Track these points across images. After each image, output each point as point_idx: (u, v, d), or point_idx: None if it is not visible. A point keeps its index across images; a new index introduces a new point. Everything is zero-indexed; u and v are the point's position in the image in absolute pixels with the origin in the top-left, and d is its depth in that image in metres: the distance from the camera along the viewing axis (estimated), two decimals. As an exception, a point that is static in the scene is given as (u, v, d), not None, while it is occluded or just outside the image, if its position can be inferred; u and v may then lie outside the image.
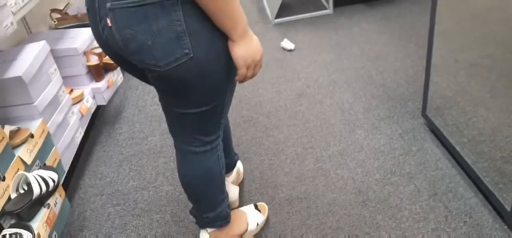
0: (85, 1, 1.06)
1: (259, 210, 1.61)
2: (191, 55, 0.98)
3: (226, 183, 1.67)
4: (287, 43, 2.88)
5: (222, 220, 1.44)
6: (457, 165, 1.73)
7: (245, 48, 1.01)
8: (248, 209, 1.61)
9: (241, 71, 1.05)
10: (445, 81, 1.78)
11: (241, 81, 1.09)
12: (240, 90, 2.46)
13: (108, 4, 0.95)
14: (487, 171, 1.54)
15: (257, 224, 1.57)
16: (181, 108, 1.16)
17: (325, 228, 1.55)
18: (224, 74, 1.09)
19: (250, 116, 2.23)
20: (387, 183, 1.70)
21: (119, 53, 1.04)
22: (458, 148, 1.70)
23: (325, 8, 3.33)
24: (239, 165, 1.81)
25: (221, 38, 1.01)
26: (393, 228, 1.51)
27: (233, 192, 1.69)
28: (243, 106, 2.31)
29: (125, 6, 0.94)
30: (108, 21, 0.97)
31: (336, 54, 2.71)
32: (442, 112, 1.83)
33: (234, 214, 1.53)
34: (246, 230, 1.54)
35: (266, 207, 1.64)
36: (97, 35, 1.07)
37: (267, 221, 1.61)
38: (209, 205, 1.41)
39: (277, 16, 3.29)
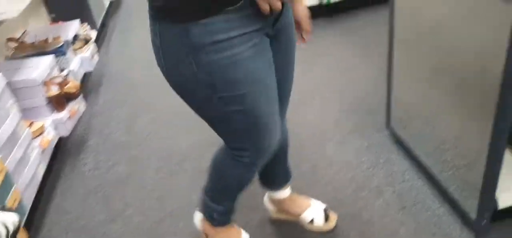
0: None
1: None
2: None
3: (266, 200, 1.67)
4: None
5: (213, 220, 1.48)
6: (423, 175, 1.76)
7: None
8: None
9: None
10: (406, 92, 1.81)
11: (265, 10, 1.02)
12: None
13: None
14: (452, 179, 1.58)
15: None
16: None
17: (299, 248, 1.55)
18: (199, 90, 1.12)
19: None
20: (358, 197, 1.72)
21: None
22: (423, 159, 1.74)
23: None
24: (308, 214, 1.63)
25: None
26: (365, 243, 1.53)
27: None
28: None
29: None
30: None
31: (299, 70, 2.72)
32: (405, 123, 1.87)
33: (232, 230, 1.52)
34: None
35: None
36: None
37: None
38: (212, 196, 1.44)
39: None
